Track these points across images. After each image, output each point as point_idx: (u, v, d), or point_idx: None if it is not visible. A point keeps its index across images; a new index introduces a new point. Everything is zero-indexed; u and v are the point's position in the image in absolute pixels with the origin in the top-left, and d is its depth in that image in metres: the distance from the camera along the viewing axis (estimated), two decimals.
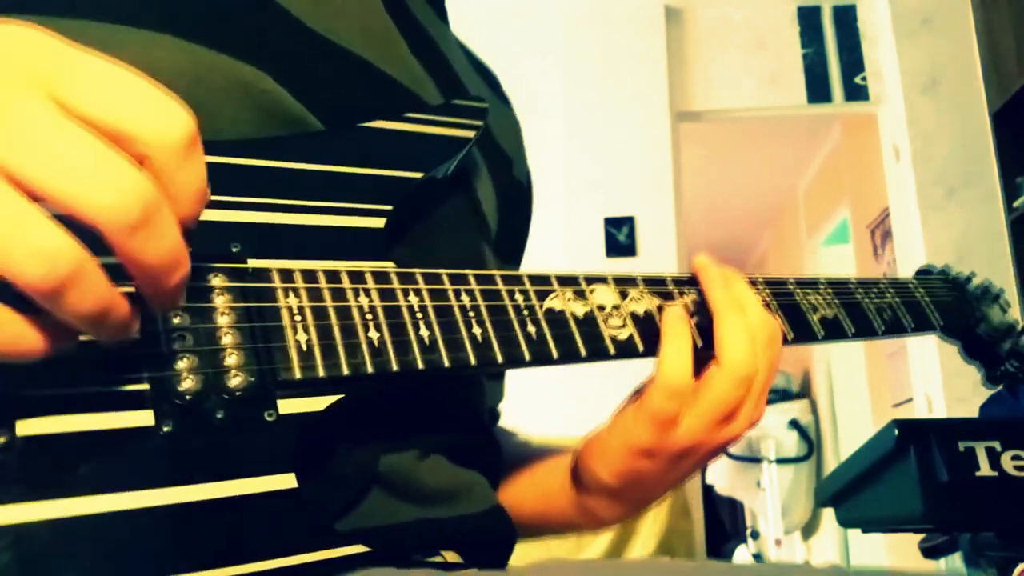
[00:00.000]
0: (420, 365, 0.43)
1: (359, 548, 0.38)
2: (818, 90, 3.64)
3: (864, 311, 0.62)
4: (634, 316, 0.52)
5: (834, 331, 0.59)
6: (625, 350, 0.50)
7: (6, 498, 0.32)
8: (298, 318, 0.41)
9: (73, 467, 0.34)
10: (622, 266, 3.47)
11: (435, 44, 0.61)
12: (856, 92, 3.62)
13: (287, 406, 0.39)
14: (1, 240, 0.26)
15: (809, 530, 4.94)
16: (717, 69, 3.70)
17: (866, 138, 4.07)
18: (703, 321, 0.54)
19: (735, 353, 0.51)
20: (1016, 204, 3.12)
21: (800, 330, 0.58)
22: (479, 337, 0.46)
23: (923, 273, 0.71)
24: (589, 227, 3.51)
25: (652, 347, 0.51)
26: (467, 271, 0.48)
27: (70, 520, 0.33)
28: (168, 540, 0.35)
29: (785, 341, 0.56)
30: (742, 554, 5.04)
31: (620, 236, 3.53)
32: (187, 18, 0.46)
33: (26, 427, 0.33)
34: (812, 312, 0.59)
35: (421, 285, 0.46)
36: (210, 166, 0.43)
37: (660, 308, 0.53)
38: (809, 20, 3.69)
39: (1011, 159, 3.16)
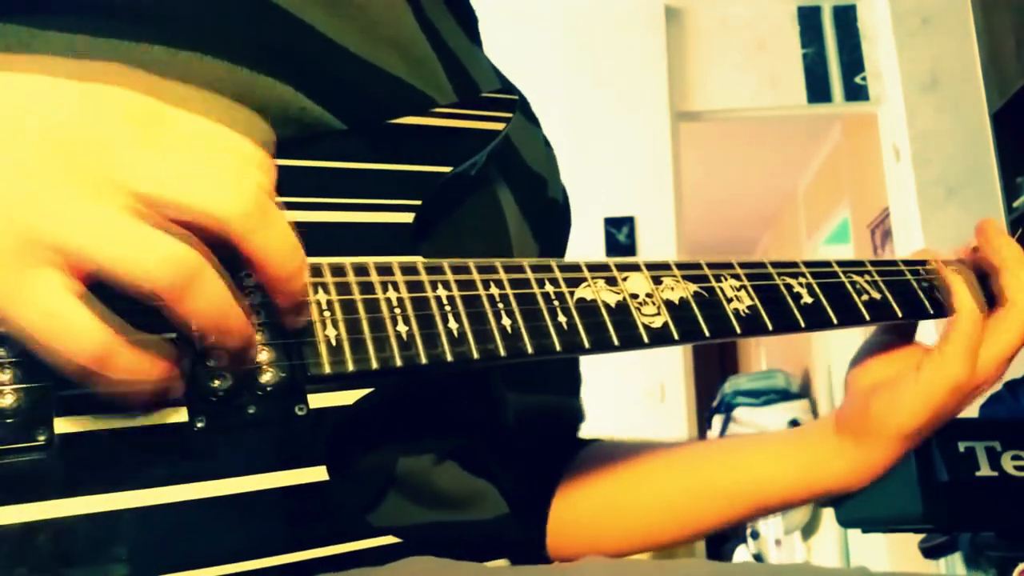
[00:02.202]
0: (449, 357, 0.43)
1: (391, 539, 0.39)
2: (818, 90, 3.64)
3: (915, 292, 0.61)
4: (668, 303, 0.51)
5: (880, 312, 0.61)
6: (660, 338, 0.49)
7: (46, 494, 0.34)
8: (327, 313, 0.41)
9: (109, 463, 0.35)
10: None
11: (467, 72, 0.61)
12: (856, 92, 3.63)
13: (318, 401, 0.40)
14: (131, 253, 0.31)
15: (809, 530, 4.94)
16: (717, 69, 3.71)
17: (866, 138, 4.07)
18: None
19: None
20: (1016, 204, 3.12)
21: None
22: (508, 328, 0.45)
23: None
24: (589, 227, 3.51)
25: (688, 334, 0.50)
26: (495, 260, 0.48)
27: (109, 514, 0.34)
28: (204, 533, 0.36)
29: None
30: (742, 554, 5.04)
31: (620, 236, 3.53)
32: (229, 41, 0.47)
33: (63, 425, 0.35)
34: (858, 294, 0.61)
35: (449, 276, 0.46)
36: None
37: (696, 294, 0.52)
38: (809, 20, 3.69)
39: (1011, 159, 3.16)
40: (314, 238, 0.45)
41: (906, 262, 0.63)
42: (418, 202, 0.49)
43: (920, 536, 1.66)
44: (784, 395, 4.95)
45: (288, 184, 0.45)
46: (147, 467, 0.36)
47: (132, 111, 0.34)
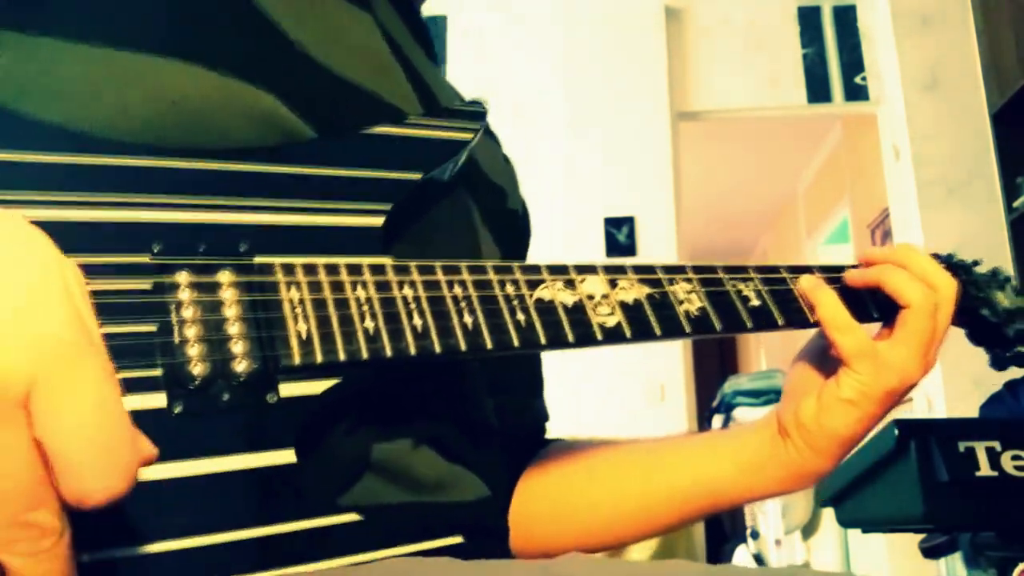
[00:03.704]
0: (412, 351, 0.46)
1: (353, 516, 0.42)
2: (818, 90, 3.64)
3: (861, 297, 0.62)
4: (623, 304, 0.54)
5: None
6: (613, 336, 0.52)
7: None
8: (298, 310, 0.44)
9: None
10: None
11: (428, 85, 0.64)
12: (856, 92, 3.63)
13: (289, 390, 0.43)
14: None
15: (809, 530, 4.94)
16: (717, 69, 3.71)
17: (866, 138, 4.07)
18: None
19: (909, 291, 0.58)
20: (1016, 204, 3.12)
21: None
22: (469, 325, 0.48)
23: None
24: (589, 227, 3.51)
25: (640, 334, 0.53)
26: (460, 262, 0.51)
27: None
28: (181, 508, 0.39)
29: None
30: (742, 554, 5.04)
31: (620, 236, 3.53)
32: (215, 49, 0.49)
33: None
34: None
35: (415, 277, 0.49)
36: (219, 172, 0.47)
37: (649, 296, 0.55)
38: (809, 20, 3.69)
39: (1011, 159, 3.16)
40: (291, 239, 0.48)
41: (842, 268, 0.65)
42: (388, 206, 0.51)
43: (920, 536, 1.66)
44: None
45: (265, 188, 0.48)
46: None
47: None
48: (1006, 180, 3.18)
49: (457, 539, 0.51)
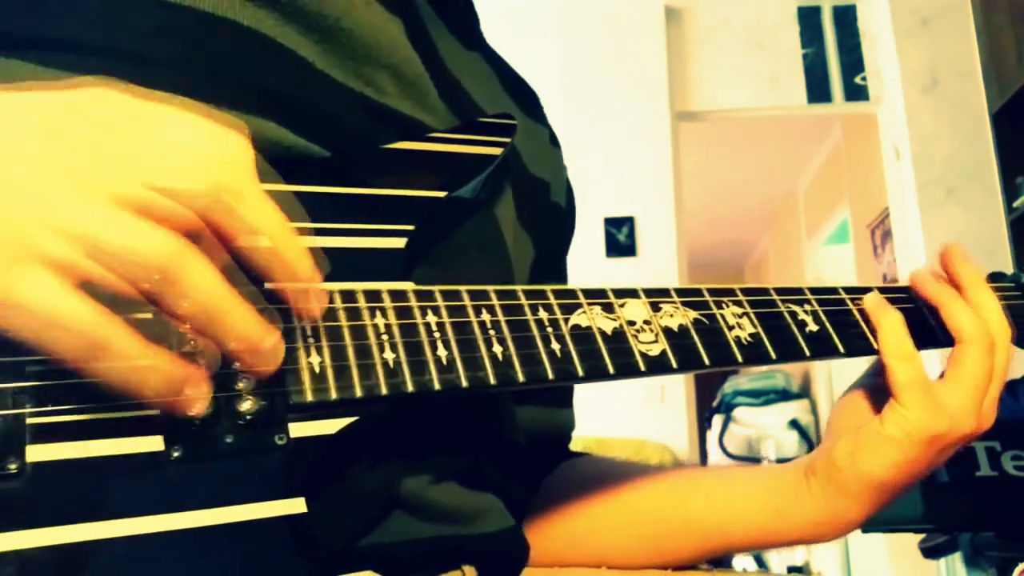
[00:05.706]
0: (437, 386, 0.42)
1: (368, 574, 0.38)
2: (818, 90, 3.64)
3: (927, 323, 0.58)
4: (667, 330, 0.49)
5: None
6: (657, 366, 0.48)
7: (12, 525, 0.32)
8: (311, 339, 0.40)
9: (81, 493, 0.34)
10: (622, 266, 3.47)
11: (463, 87, 0.60)
12: (856, 92, 3.62)
13: (299, 429, 0.39)
14: (122, 240, 0.33)
15: None
16: (717, 69, 3.70)
17: (866, 138, 4.07)
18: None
19: (968, 325, 0.55)
20: (1016, 204, 3.12)
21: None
22: (499, 356, 0.44)
23: (992, 279, 0.65)
24: (589, 227, 3.51)
25: (687, 363, 0.49)
26: (488, 287, 0.47)
27: (75, 546, 0.33)
28: (180, 565, 0.35)
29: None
30: (742, 555, 5.04)
31: (620, 236, 3.53)
32: (206, 78, 0.46)
33: (36, 453, 0.34)
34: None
35: (440, 303, 0.45)
36: None
37: (696, 321, 0.51)
38: (809, 20, 3.69)
39: (1011, 159, 3.16)
40: None
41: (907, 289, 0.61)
42: (411, 227, 0.48)
43: (920, 536, 1.66)
44: (784, 395, 4.95)
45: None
46: (121, 497, 0.35)
47: (114, 111, 0.36)
48: (1006, 180, 3.18)
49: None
